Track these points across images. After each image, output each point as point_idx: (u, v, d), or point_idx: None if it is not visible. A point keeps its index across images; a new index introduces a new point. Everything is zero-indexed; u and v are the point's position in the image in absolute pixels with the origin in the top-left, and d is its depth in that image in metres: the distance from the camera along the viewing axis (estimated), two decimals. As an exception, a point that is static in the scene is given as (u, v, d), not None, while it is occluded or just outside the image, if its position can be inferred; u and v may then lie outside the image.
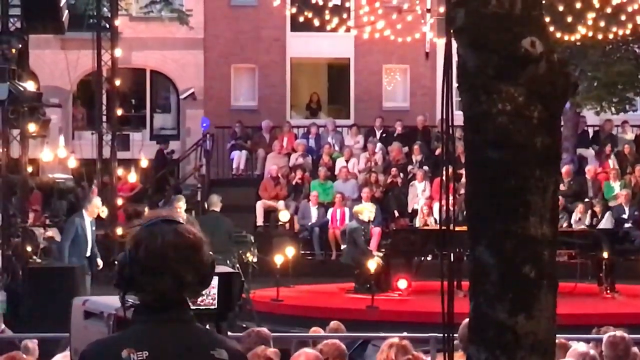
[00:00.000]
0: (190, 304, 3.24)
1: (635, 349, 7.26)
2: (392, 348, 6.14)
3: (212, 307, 3.71)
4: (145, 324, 3.15)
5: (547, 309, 3.45)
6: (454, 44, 3.57)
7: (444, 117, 3.61)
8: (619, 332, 7.37)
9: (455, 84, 3.59)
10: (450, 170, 3.86)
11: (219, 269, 3.62)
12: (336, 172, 23.80)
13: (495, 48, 3.42)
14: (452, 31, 3.54)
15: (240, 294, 3.80)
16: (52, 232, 18.04)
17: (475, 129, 3.48)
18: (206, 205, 16.31)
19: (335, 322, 10.68)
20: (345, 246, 18.78)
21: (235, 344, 3.35)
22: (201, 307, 3.65)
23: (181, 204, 15.65)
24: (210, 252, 3.25)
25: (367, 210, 18.33)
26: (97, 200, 15.57)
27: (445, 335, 3.65)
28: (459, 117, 3.56)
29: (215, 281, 3.62)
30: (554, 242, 3.49)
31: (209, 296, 3.71)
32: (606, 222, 21.23)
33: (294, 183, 23.41)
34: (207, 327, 3.59)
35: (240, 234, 17.47)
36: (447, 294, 3.58)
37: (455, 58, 3.59)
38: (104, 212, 17.20)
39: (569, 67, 3.67)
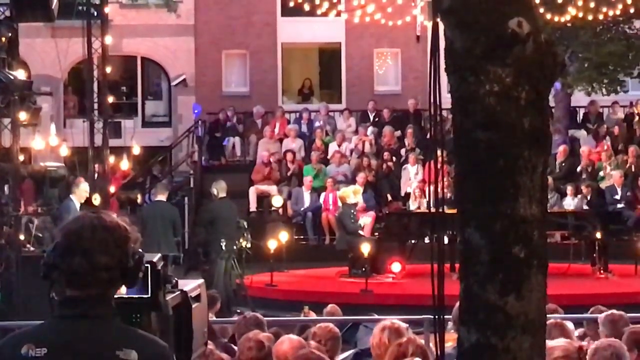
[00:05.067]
0: (113, 297, 3.12)
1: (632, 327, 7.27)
2: (384, 331, 6.09)
3: (145, 295, 3.45)
4: (54, 319, 3.12)
5: (537, 289, 3.45)
6: (442, 26, 3.56)
7: (432, 99, 3.60)
8: (617, 311, 7.37)
9: (443, 66, 3.58)
10: (440, 153, 3.86)
11: (149, 256, 3.50)
12: (329, 157, 23.80)
13: (483, 29, 3.42)
14: (439, 13, 3.53)
15: (166, 281, 3.55)
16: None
17: (463, 111, 3.48)
18: (215, 192, 16.19)
19: (331, 305, 10.71)
20: (338, 233, 18.77)
21: (158, 344, 3.13)
22: (133, 297, 3.46)
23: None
24: (139, 249, 3.15)
25: (350, 192, 18.28)
26: (84, 185, 15.54)
27: (436, 317, 3.65)
28: (449, 100, 3.56)
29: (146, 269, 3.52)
30: (544, 222, 3.49)
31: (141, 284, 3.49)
32: (599, 203, 21.24)
33: (288, 174, 23.35)
34: (139, 319, 3.42)
35: (233, 220, 17.44)
36: (437, 276, 3.59)
37: (443, 40, 3.59)
38: (96, 200, 17.17)
39: (556, 47, 3.67)
